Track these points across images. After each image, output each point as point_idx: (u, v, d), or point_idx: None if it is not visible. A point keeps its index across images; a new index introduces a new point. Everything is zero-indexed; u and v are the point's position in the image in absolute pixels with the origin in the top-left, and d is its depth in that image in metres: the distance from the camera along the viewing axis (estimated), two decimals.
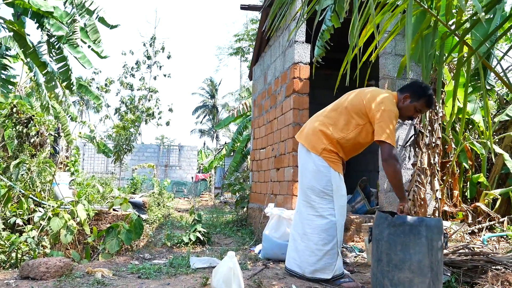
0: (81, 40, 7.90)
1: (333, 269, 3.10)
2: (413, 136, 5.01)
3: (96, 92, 10.44)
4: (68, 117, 9.91)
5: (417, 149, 4.99)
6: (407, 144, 5.01)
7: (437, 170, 5.09)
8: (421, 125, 4.99)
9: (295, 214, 3.36)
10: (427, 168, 5.01)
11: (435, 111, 5.13)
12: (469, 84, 5.41)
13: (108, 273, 3.37)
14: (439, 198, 5.08)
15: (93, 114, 37.23)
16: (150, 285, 3.02)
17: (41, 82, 8.29)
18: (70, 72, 7.59)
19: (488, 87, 5.01)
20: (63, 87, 8.39)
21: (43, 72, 7.42)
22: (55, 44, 7.42)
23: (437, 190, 5.03)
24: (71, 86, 7.77)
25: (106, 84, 15.94)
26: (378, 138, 2.81)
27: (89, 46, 8.04)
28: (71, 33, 7.28)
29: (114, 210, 5.93)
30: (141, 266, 3.76)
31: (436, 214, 4.96)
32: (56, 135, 8.26)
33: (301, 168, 3.24)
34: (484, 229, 4.98)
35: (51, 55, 7.47)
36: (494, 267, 3.04)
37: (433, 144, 5.11)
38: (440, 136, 5.14)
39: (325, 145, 3.05)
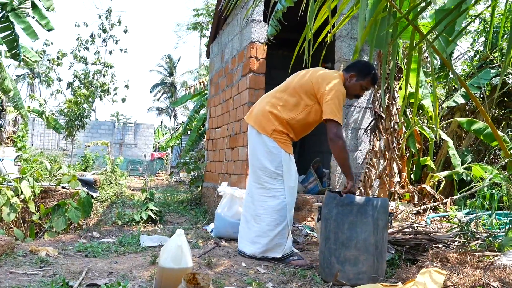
0: (31, 10, 7.46)
1: (283, 249, 3.15)
2: (373, 120, 5.12)
3: (32, 57, 9.72)
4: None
5: (377, 132, 5.11)
6: (368, 128, 5.12)
7: (396, 155, 5.25)
8: (381, 109, 5.10)
9: (246, 195, 3.35)
10: (384, 152, 5.15)
11: (393, 95, 5.26)
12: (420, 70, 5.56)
13: (53, 252, 3.28)
14: (398, 181, 5.26)
15: (45, 89, 35.59)
16: (97, 263, 2.96)
17: None
18: (16, 42, 7.17)
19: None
20: (8, 56, 7.92)
21: None
22: None
23: (396, 173, 5.20)
24: (18, 56, 7.36)
25: (58, 57, 15.20)
26: (326, 116, 2.87)
27: (33, 17, 7.60)
28: (18, 2, 6.86)
29: (63, 187, 5.74)
30: (89, 244, 3.68)
31: (395, 196, 5.15)
32: (0, 108, 7.83)
33: (252, 149, 3.22)
34: (428, 210, 5.20)
35: None
36: (435, 245, 3.19)
37: (392, 129, 5.25)
38: (398, 120, 5.28)
39: (275, 126, 3.05)
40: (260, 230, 3.16)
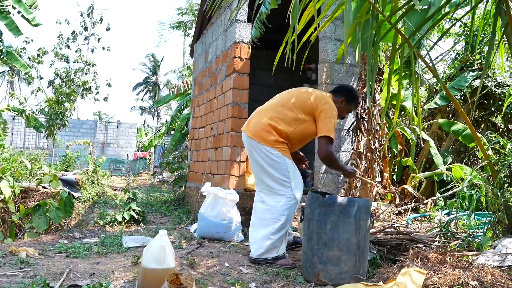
0: (12, 6, 7.31)
1: (278, 250, 3.18)
2: (355, 122, 5.17)
3: (23, 61, 9.66)
4: None
5: (359, 133, 5.16)
6: (350, 129, 5.17)
7: (377, 156, 5.31)
8: (362, 111, 5.16)
9: (258, 203, 3.34)
10: (366, 153, 5.21)
11: (374, 97, 5.33)
12: (402, 72, 5.63)
13: (33, 252, 3.23)
14: (379, 181, 5.32)
15: (25, 87, 34.94)
16: (79, 264, 2.92)
17: None
18: None
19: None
20: None
21: None
22: None
23: (377, 174, 5.26)
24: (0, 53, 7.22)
25: (38, 55, 14.93)
26: (322, 133, 3.10)
27: (19, 12, 7.46)
28: None
29: (43, 187, 5.65)
30: (70, 245, 3.64)
31: (376, 197, 5.21)
32: None
33: (254, 161, 3.27)
34: (409, 210, 5.28)
35: None
36: (415, 245, 3.24)
37: (373, 130, 5.31)
38: (380, 122, 5.35)
39: (276, 137, 3.17)
40: (266, 234, 3.18)
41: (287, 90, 3.43)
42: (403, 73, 5.50)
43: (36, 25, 7.78)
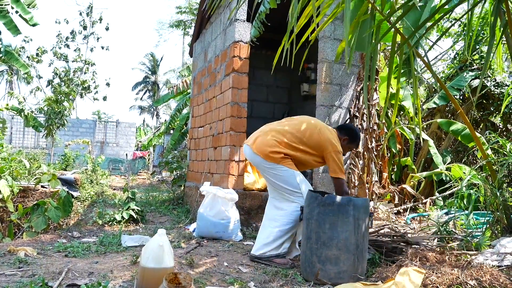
0: (11, 6, 7.30)
1: (279, 249, 3.24)
2: (348, 120, 5.17)
3: (23, 60, 9.66)
4: None
5: None
6: None
7: (374, 155, 5.31)
8: (355, 109, 5.15)
9: (269, 209, 3.44)
10: (363, 152, 5.20)
11: (371, 96, 5.32)
12: (401, 71, 5.64)
13: (32, 252, 3.23)
14: (376, 181, 5.32)
15: (24, 86, 34.90)
16: (77, 263, 2.92)
17: None
18: None
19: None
20: None
21: None
22: None
23: (373, 173, 5.26)
24: None
25: (37, 54, 14.90)
26: (335, 175, 3.27)
27: (17, 12, 7.45)
28: None
29: (42, 187, 5.64)
30: (69, 244, 3.63)
31: (373, 196, 5.20)
32: None
33: (264, 175, 3.42)
34: (408, 209, 5.28)
35: None
36: (414, 245, 3.24)
37: (370, 130, 5.31)
38: (377, 121, 5.34)
39: (281, 155, 3.26)
40: (275, 233, 3.25)
41: (297, 116, 3.61)
42: (402, 71, 5.50)
43: (34, 25, 7.77)
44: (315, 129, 3.35)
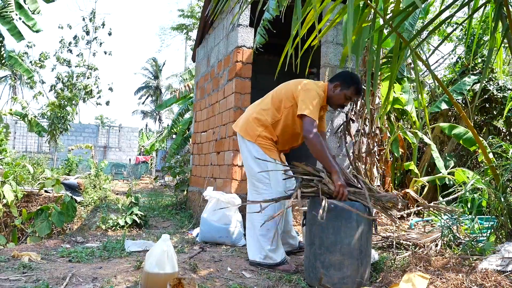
0: (15, 13, 7.36)
1: (280, 255, 3.18)
2: (344, 124, 5.15)
3: (26, 65, 9.73)
4: None
5: (347, 136, 5.15)
6: (339, 131, 5.15)
7: (377, 159, 5.30)
8: (352, 113, 5.15)
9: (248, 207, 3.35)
10: (365, 156, 5.20)
11: (373, 100, 5.32)
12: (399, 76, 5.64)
13: (36, 257, 3.23)
14: (378, 185, 5.31)
15: (27, 91, 35.02)
16: (81, 268, 2.92)
17: None
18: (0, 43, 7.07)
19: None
20: None
21: None
22: None
23: (376, 178, 5.25)
24: (1, 58, 7.26)
25: (40, 59, 14.98)
26: (300, 112, 2.89)
27: (20, 19, 7.51)
28: (5, 5, 6.77)
29: (46, 191, 5.66)
30: (73, 249, 3.64)
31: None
32: None
33: (242, 156, 3.30)
34: (412, 214, 5.27)
35: None
36: (416, 248, 3.24)
37: (373, 134, 5.31)
38: (379, 125, 5.34)
39: (259, 132, 3.13)
40: (255, 236, 3.20)
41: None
42: (400, 77, 5.50)
43: (37, 31, 7.83)
44: (292, 82, 3.17)
